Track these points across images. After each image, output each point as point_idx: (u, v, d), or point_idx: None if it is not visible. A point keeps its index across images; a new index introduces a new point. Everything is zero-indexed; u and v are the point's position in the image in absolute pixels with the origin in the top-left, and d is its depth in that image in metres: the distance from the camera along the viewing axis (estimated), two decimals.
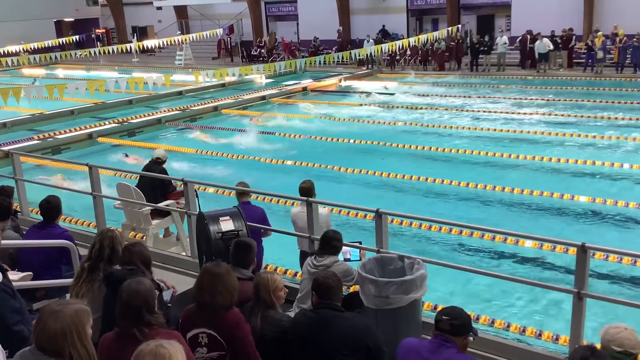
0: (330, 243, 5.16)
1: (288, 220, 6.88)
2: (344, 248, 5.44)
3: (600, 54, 22.75)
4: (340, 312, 4.03)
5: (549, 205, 10.06)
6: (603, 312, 6.09)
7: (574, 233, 8.62)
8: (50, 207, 5.86)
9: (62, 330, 2.90)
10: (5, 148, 12.34)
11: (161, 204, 7.95)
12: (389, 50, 25.36)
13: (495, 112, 17.88)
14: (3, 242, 5.04)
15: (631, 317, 5.08)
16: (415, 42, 25.79)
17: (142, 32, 39.04)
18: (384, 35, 29.61)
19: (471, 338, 3.60)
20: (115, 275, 4.27)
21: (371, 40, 27.87)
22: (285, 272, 7.59)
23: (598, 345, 3.39)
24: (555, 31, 23.95)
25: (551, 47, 23.60)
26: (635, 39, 22.18)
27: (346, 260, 5.47)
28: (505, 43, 24.91)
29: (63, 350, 2.90)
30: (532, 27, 24.59)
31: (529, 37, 24.52)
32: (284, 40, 31.98)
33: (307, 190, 6.35)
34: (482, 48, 25.21)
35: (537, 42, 23.79)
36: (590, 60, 23.20)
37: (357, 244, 5.73)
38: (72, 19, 41.71)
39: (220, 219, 5.53)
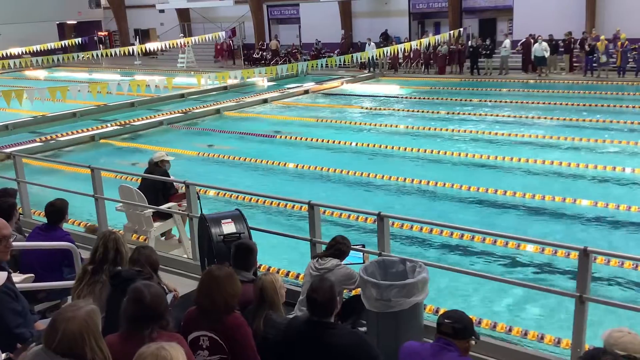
0: (336, 246, 5.15)
1: (290, 223, 6.88)
2: None
3: (603, 58, 22.74)
4: (331, 328, 3.78)
5: (551, 209, 10.04)
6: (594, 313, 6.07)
7: (575, 237, 8.61)
8: (55, 210, 5.85)
9: (80, 332, 2.90)
10: (8, 150, 12.36)
11: (163, 207, 7.96)
12: (391, 54, 25.42)
13: (497, 115, 17.86)
14: None
15: (633, 321, 5.07)
16: (417, 45, 25.81)
17: (144, 35, 39.06)
18: (385, 39, 29.63)
19: (473, 342, 3.60)
20: (123, 275, 4.27)
21: (372, 43, 27.90)
22: (287, 275, 7.59)
23: None
24: (554, 35, 23.91)
25: (548, 51, 23.57)
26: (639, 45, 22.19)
27: None
28: (507, 47, 24.88)
29: (84, 353, 2.90)
30: (535, 30, 24.58)
31: (532, 40, 24.52)
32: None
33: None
34: (483, 52, 25.19)
35: (536, 45, 23.81)
36: (589, 64, 23.17)
37: (359, 247, 5.72)
38: (75, 22, 41.78)
39: (222, 221, 5.54)
